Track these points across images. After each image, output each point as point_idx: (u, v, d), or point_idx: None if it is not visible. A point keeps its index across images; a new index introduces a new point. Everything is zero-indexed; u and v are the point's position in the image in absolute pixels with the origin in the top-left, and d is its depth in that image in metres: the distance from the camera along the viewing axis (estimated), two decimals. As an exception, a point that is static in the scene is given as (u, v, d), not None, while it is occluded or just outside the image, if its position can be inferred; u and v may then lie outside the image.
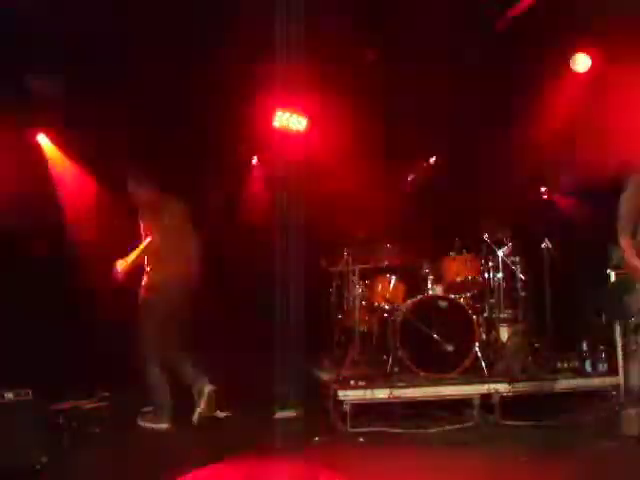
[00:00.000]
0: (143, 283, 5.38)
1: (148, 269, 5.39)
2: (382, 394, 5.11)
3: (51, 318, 6.09)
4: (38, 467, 3.97)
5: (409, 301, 5.95)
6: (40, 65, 5.84)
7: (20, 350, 5.79)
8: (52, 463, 4.05)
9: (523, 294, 6.05)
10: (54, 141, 6.65)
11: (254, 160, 8.03)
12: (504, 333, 5.95)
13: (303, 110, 7.29)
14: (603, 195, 5.90)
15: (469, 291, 6.12)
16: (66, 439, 4.72)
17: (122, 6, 5.38)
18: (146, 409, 5.36)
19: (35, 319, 5.98)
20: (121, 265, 5.34)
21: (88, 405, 5.82)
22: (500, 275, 6.08)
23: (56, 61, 5.78)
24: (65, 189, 6.59)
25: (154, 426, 5.22)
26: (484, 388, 5.14)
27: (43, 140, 6.63)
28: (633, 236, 4.29)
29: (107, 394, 5.98)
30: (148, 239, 5.32)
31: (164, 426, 5.20)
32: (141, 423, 5.28)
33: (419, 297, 5.87)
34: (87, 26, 5.44)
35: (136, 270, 5.45)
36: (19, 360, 5.52)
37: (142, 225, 5.44)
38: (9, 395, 4.08)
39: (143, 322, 5.32)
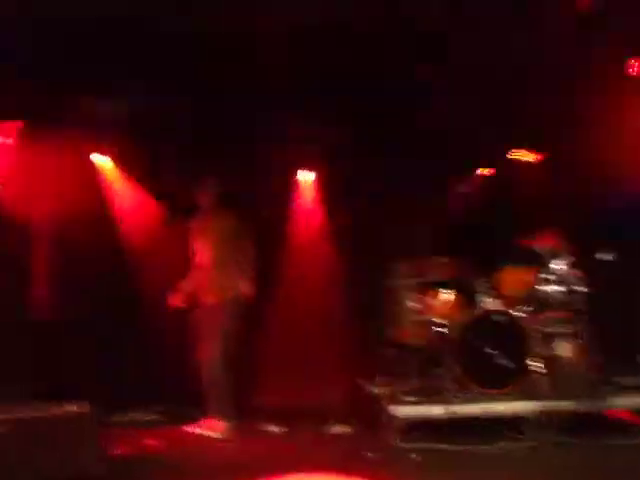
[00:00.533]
0: (234, 293, 5.49)
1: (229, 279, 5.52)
2: (437, 410, 5.03)
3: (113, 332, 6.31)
4: None
5: (464, 315, 5.86)
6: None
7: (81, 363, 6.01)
8: (111, 475, 4.16)
9: (583, 308, 5.88)
10: (110, 158, 6.72)
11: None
12: (563, 348, 5.79)
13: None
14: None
15: (526, 305, 5.99)
16: (124, 451, 4.84)
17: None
18: (205, 420, 5.44)
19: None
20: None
21: (145, 418, 5.96)
22: (559, 288, 5.93)
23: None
24: (121, 206, 6.74)
25: (218, 434, 5.31)
26: (542, 405, 5.01)
27: (98, 158, 6.68)
28: None
29: (163, 407, 6.10)
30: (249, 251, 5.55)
31: (230, 426, 5.32)
32: (203, 433, 5.36)
33: (474, 311, 5.79)
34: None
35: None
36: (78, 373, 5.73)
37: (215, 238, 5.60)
38: (70, 407, 4.20)
39: (226, 330, 5.45)
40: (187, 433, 5.42)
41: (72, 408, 4.19)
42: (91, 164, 6.62)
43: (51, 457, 3.88)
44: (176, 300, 5.64)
